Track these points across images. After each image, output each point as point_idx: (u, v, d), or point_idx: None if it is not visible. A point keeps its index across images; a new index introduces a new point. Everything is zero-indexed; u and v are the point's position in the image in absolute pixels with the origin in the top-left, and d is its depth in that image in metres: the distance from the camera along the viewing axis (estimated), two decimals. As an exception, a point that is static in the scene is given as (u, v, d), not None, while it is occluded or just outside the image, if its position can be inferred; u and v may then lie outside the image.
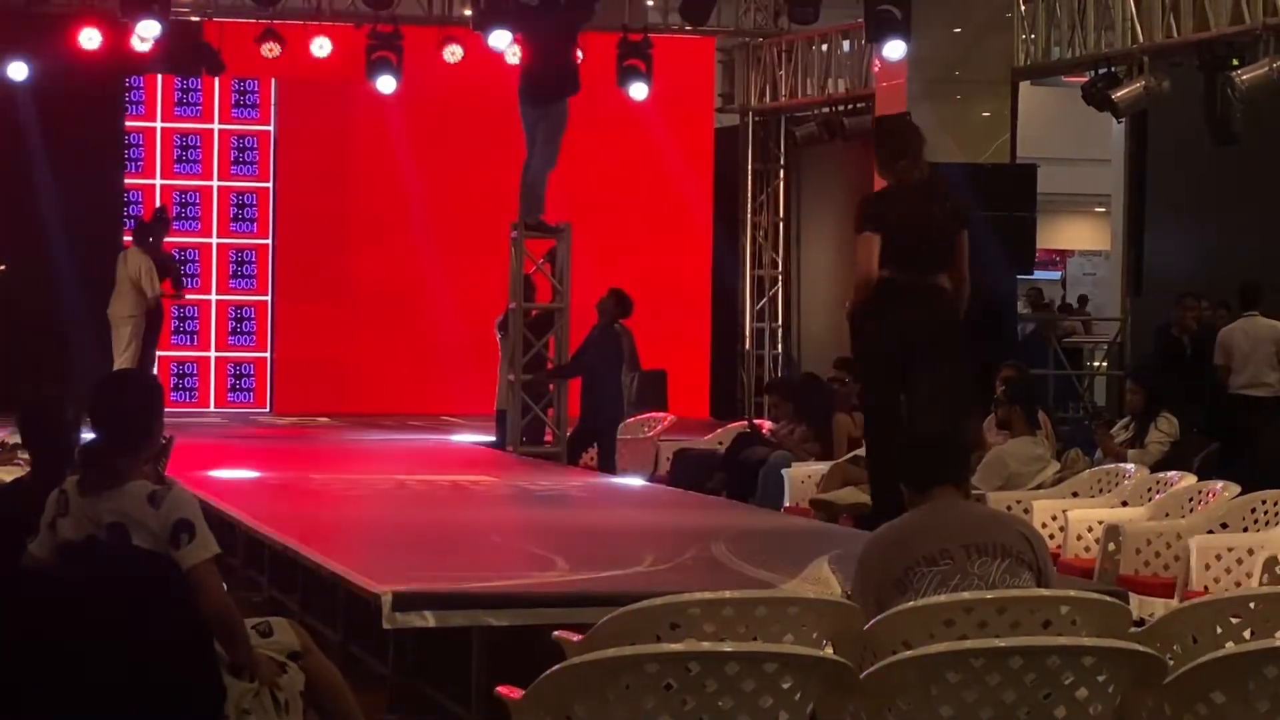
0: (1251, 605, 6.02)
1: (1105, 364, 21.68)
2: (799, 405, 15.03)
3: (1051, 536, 10.69)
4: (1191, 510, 10.59)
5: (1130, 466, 11.88)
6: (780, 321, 23.86)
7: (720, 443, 16.02)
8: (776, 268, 23.85)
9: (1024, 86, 20.54)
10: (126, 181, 21.11)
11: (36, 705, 5.61)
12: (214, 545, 5.88)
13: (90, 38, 19.28)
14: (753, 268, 23.87)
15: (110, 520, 5.83)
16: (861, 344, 9.86)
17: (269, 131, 21.94)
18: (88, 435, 6.24)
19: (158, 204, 20.82)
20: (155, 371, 19.12)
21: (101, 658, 5.61)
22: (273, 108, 21.89)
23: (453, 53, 20.96)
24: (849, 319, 9.95)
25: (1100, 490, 11.66)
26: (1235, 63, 16.43)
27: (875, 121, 9.92)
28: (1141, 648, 5.34)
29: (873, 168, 19.80)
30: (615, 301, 15.62)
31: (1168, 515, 10.62)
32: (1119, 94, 17.76)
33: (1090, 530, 10.79)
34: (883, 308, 9.31)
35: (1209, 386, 15.49)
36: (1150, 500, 11.02)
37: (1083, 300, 27.56)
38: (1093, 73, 18.27)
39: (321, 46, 20.90)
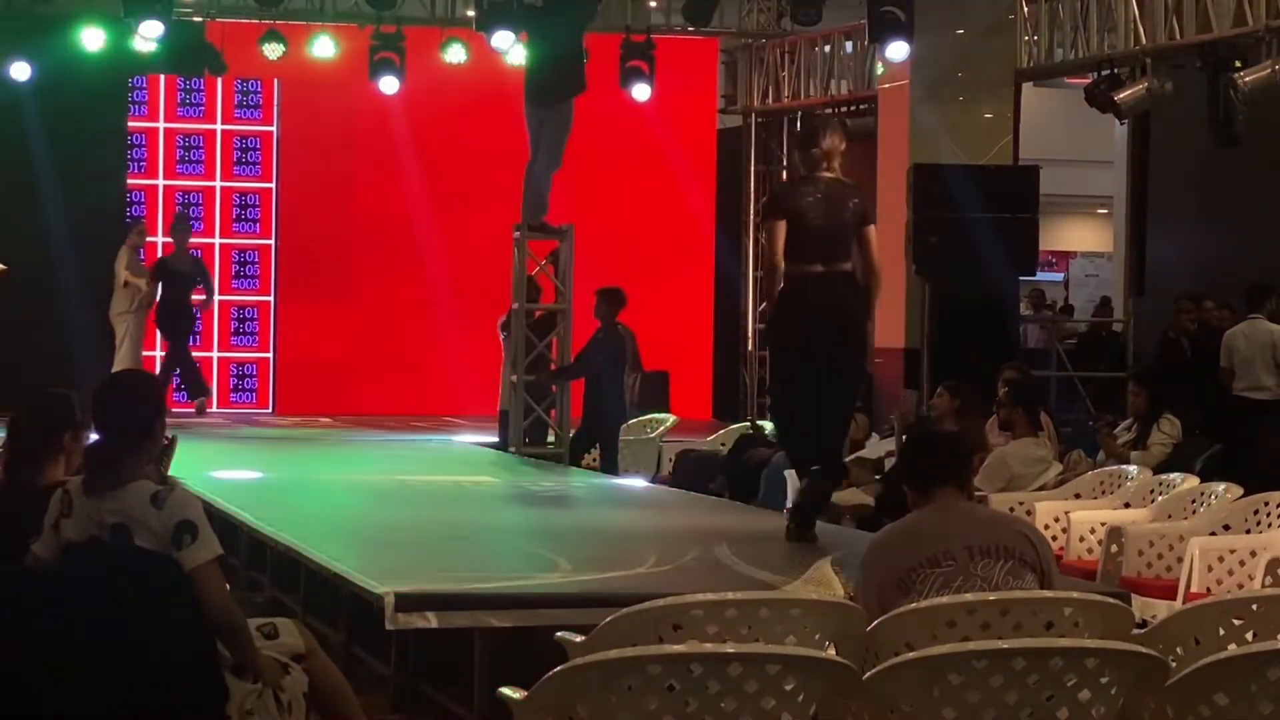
0: (1254, 607, 6.02)
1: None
2: None
3: (1054, 538, 10.69)
4: (1194, 512, 10.60)
5: (1132, 468, 11.88)
6: (782, 323, 23.81)
7: (723, 444, 16.02)
8: (779, 269, 23.82)
9: (1027, 88, 20.54)
10: (129, 182, 21.11)
11: (37, 706, 5.61)
12: (216, 546, 5.88)
13: (93, 38, 19.28)
14: (755, 269, 23.87)
15: (113, 521, 5.83)
16: (775, 330, 9.97)
17: (272, 132, 21.94)
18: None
19: (178, 206, 20.89)
20: (197, 373, 19.18)
21: (103, 658, 5.61)
22: (275, 108, 21.89)
23: (455, 53, 20.97)
24: (767, 304, 10.09)
25: (1103, 492, 11.66)
26: (1238, 64, 16.43)
27: (802, 117, 10.24)
28: (1144, 649, 5.34)
29: (875, 168, 20.00)
30: (604, 301, 15.57)
31: (1170, 517, 10.62)
32: (1121, 95, 17.76)
33: (1093, 532, 10.79)
34: (793, 295, 9.43)
35: (1212, 388, 15.49)
36: (1153, 502, 11.02)
37: (1105, 302, 27.28)
38: (1095, 74, 18.27)
39: (324, 47, 20.92)
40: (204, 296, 19.00)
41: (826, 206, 9.38)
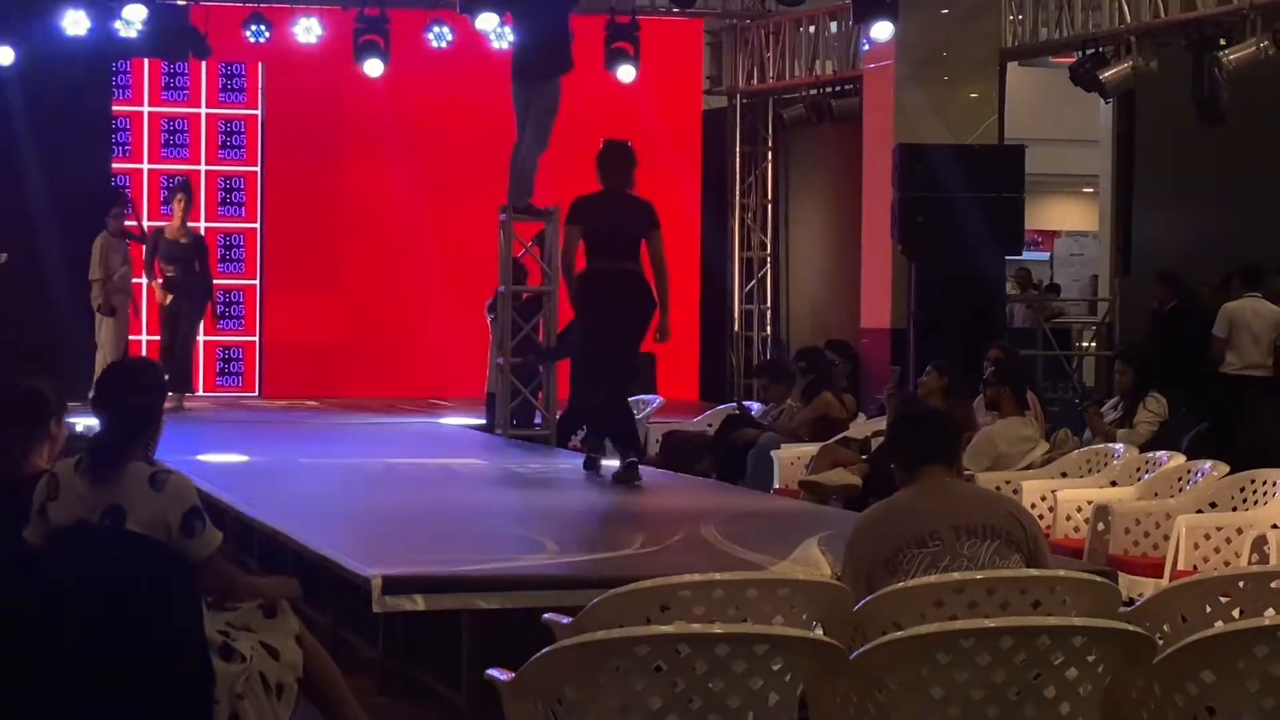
0: (1240, 584, 6.04)
1: (1094, 344, 21.69)
2: (813, 375, 14.92)
3: (1041, 517, 10.69)
4: (1180, 490, 10.61)
5: (1119, 446, 11.90)
6: (769, 303, 23.86)
7: (710, 424, 16.02)
8: (765, 250, 23.85)
9: (1011, 67, 20.53)
10: (114, 165, 21.05)
11: (23, 688, 5.60)
12: (218, 531, 6.03)
13: (76, 21, 19.23)
14: (741, 250, 23.87)
15: (108, 503, 5.86)
16: (576, 318, 12.22)
17: (256, 115, 21.89)
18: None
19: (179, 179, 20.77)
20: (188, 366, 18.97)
21: (88, 642, 5.61)
22: (260, 91, 21.84)
23: (440, 35, 20.94)
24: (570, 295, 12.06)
25: (1089, 470, 11.67)
26: (1223, 43, 16.44)
27: (603, 142, 12.29)
28: (1131, 627, 5.34)
29: (860, 148, 20.00)
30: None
31: (1157, 495, 10.64)
32: (1106, 74, 17.77)
33: (1079, 510, 10.81)
34: (589, 288, 11.64)
35: (1199, 363, 15.52)
36: (1139, 480, 11.04)
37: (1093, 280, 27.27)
38: (1080, 53, 18.27)
39: (308, 30, 20.87)
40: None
41: (615, 217, 11.79)
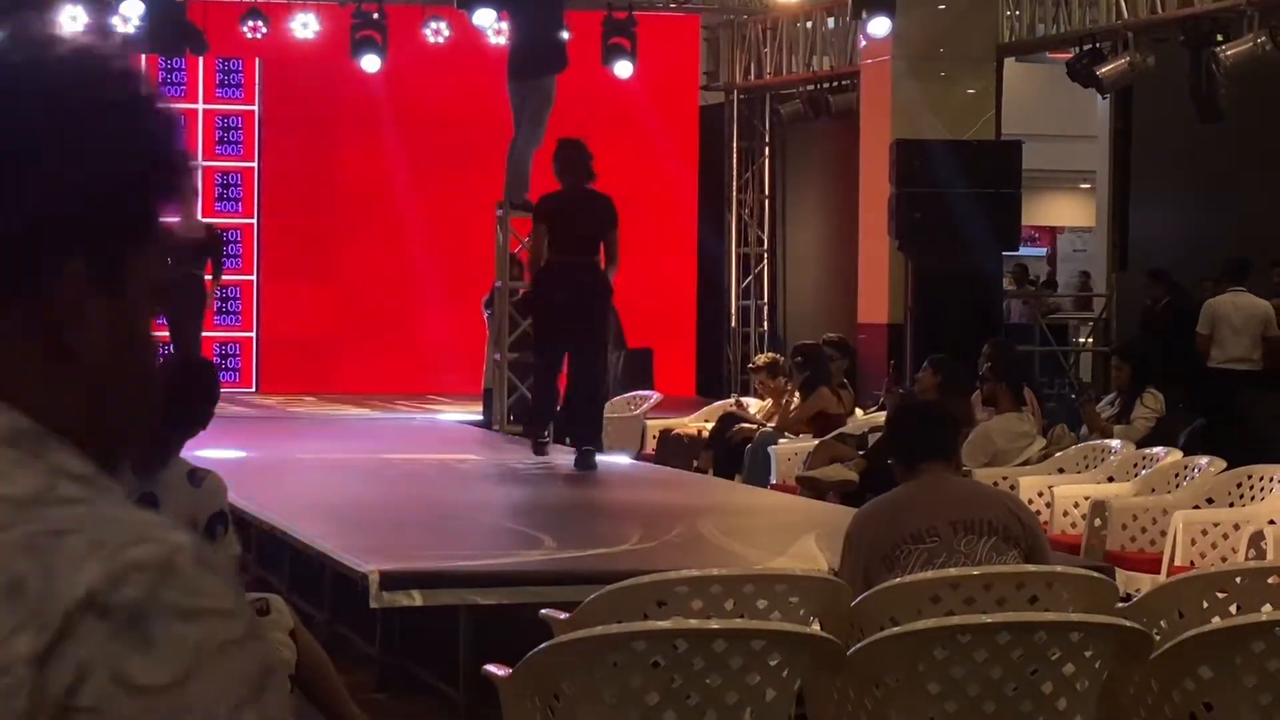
0: (1237, 580, 6.04)
1: (1091, 340, 21.70)
2: (811, 371, 14.91)
3: (1038, 512, 10.67)
4: (1177, 486, 10.61)
5: (1116, 442, 11.89)
6: (766, 299, 23.87)
7: (706, 421, 16.02)
8: (762, 245, 23.86)
9: (1009, 63, 20.53)
10: (111, 162, 21.02)
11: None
12: (237, 544, 6.22)
13: (74, 17, 19.21)
14: (738, 245, 23.87)
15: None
16: (535, 308, 12.98)
17: (253, 111, 21.88)
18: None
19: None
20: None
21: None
22: (257, 87, 21.83)
23: (437, 31, 20.93)
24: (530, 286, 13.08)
25: (1086, 466, 11.67)
26: (1220, 39, 16.43)
27: (558, 141, 13.15)
28: (1128, 623, 5.34)
29: (857, 144, 19.99)
30: None
31: (1154, 491, 10.64)
32: (1104, 70, 17.75)
33: (1076, 506, 10.81)
34: (551, 280, 12.35)
35: (1188, 358, 15.52)
36: (1136, 476, 11.04)
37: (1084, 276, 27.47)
38: (1078, 49, 18.25)
39: (306, 25, 20.87)
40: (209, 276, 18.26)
41: (577, 215, 12.50)
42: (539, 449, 12.89)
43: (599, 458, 12.50)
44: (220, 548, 5.98)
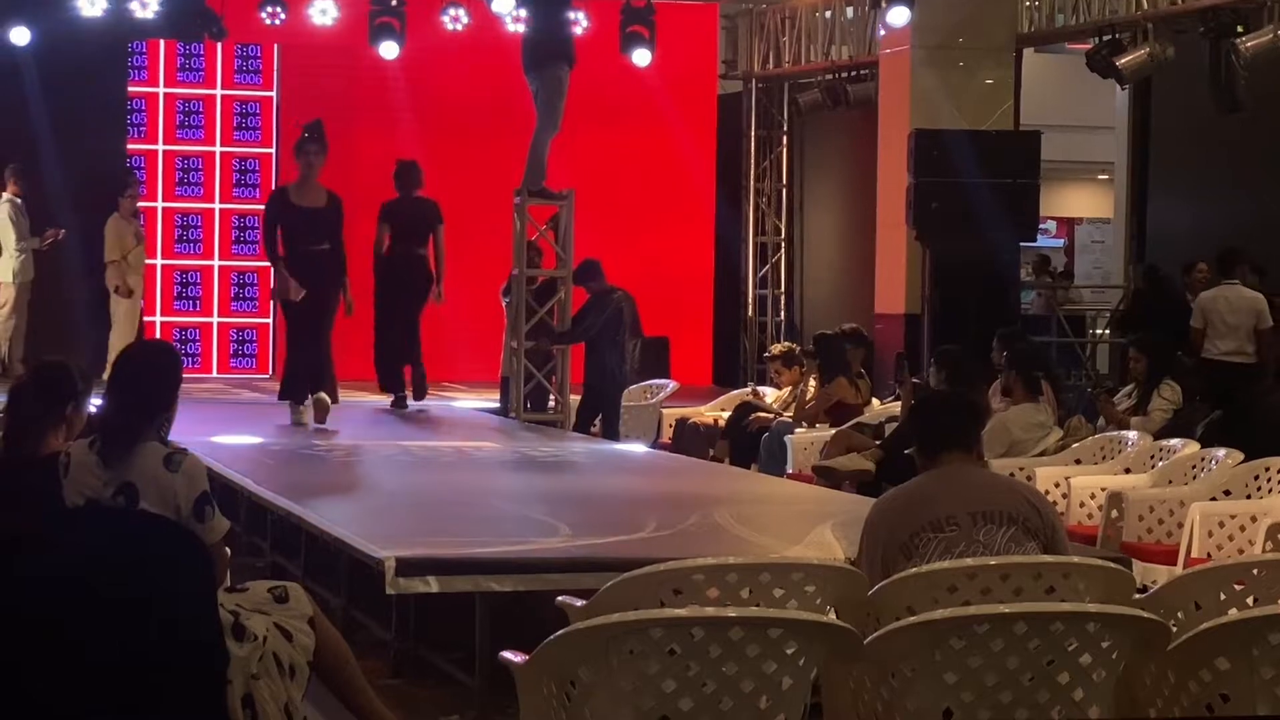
0: (1254, 572, 6.02)
1: (1108, 331, 21.67)
2: (827, 361, 14.91)
3: (1055, 503, 10.68)
4: (1194, 477, 10.60)
5: (1133, 434, 11.88)
6: (783, 288, 23.85)
7: (723, 409, 16.02)
8: (779, 234, 23.84)
9: (1028, 53, 20.50)
10: (129, 147, 21.06)
11: (33, 671, 5.60)
12: (225, 520, 6.13)
13: (93, 2, 19.22)
14: (755, 234, 23.86)
15: (123, 480, 5.88)
16: (378, 289, 16.24)
17: (271, 97, 21.89)
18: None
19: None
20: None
21: (98, 620, 5.61)
22: (275, 73, 21.83)
23: (455, 18, 20.92)
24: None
25: (1103, 457, 11.66)
26: (1240, 30, 16.41)
27: (397, 163, 16.53)
28: (1145, 614, 5.33)
29: (875, 134, 19.96)
30: (583, 278, 15.56)
31: (1170, 482, 10.63)
32: (1123, 61, 17.73)
33: (1093, 497, 10.80)
34: (390, 269, 15.97)
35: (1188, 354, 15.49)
36: (1153, 467, 11.03)
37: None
38: (1097, 39, 18.24)
39: (324, 12, 20.83)
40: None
41: (409, 215, 15.91)
42: (399, 403, 16.42)
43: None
44: (211, 529, 5.97)
